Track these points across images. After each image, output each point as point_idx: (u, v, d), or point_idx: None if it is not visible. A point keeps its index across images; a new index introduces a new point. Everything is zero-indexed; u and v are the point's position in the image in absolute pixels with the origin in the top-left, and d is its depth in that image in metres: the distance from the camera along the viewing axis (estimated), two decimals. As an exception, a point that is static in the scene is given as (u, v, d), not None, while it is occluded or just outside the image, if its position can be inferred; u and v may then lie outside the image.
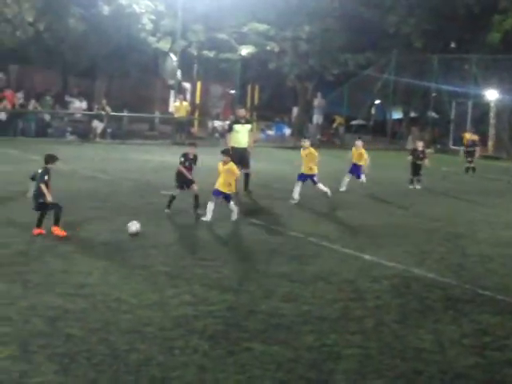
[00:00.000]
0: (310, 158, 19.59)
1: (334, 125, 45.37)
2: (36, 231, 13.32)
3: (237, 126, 21.15)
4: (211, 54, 42.98)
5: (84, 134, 36.24)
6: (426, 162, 24.25)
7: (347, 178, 22.36)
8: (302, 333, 8.94)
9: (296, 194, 19.40)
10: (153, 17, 40.63)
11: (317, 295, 10.60)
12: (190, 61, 43.96)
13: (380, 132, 46.82)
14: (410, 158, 24.55)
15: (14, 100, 35.91)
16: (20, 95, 36.14)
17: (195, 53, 43.22)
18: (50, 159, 13.79)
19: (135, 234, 13.75)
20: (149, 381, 7.30)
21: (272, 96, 49.95)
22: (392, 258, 13.29)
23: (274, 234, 15.20)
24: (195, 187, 16.48)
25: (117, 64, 40.35)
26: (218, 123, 41.79)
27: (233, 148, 20.71)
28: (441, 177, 27.37)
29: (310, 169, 19.50)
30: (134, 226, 13.82)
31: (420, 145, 25.03)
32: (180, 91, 42.46)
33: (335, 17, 41.72)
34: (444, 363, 8.27)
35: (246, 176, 20.62)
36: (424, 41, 42.95)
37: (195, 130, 42.46)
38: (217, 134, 40.14)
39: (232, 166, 16.05)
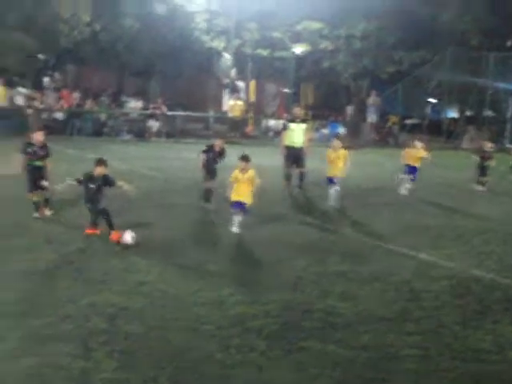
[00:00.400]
0: (342, 159, 18.43)
1: (388, 124, 45.03)
2: (90, 231, 13.42)
3: (292, 125, 21.05)
4: (265, 53, 43.01)
5: (139, 133, 36.52)
6: (492, 162, 23.73)
7: (405, 181, 21.40)
8: (359, 332, 8.93)
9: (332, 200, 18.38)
10: (207, 16, 40.81)
11: (373, 295, 10.56)
12: (244, 59, 44.05)
13: (435, 131, 46.33)
14: (476, 158, 23.94)
15: (70, 100, 36.33)
16: (77, 95, 36.52)
17: (249, 51, 43.29)
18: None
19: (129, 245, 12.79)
20: (207, 378, 7.36)
21: (326, 95, 49.72)
22: (450, 258, 13.16)
23: (328, 232, 15.15)
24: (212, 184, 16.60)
25: (171, 63, 40.59)
26: (272, 122, 41.77)
27: (287, 147, 20.78)
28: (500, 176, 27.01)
29: (338, 171, 18.41)
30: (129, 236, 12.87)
31: (488, 145, 24.32)
32: (234, 90, 42.56)
33: (389, 14, 41.36)
34: (504, 364, 8.19)
35: (301, 175, 20.60)
36: (480, 38, 42.42)
37: (249, 128, 42.49)
38: (271, 133, 40.14)
39: (252, 173, 14.37)
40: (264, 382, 7.35)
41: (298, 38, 42.86)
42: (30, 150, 14.69)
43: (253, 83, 45.06)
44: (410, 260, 12.97)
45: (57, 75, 42.71)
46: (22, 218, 14.52)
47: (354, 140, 40.15)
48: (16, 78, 40.09)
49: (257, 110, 45.60)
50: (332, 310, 9.72)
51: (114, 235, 13.00)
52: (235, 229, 14.15)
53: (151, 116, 37.36)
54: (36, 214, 14.61)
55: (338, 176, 18.32)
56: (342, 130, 42.93)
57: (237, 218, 14.16)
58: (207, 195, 16.98)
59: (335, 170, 18.37)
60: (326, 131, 42.20)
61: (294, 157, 20.56)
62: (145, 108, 39.63)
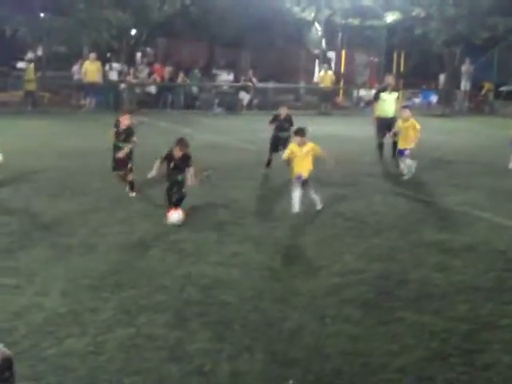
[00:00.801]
0: (412, 130, 17.50)
1: (483, 91, 44.10)
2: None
3: (383, 95, 20.68)
4: (356, 22, 42.61)
5: (231, 105, 36.63)
6: None
7: None
8: (455, 302, 8.84)
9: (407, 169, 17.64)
10: (297, -14, 40.63)
11: (469, 265, 10.43)
12: (335, 29, 43.74)
13: (532, 98, 45.24)
14: None
15: (163, 73, 36.68)
16: (169, 69, 36.83)
17: (339, 21, 42.95)
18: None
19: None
20: (302, 348, 7.39)
21: (418, 63, 48.97)
22: (547, 227, 12.90)
23: (421, 203, 15.00)
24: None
25: (262, 35, 40.57)
26: (363, 92, 41.39)
27: (379, 117, 20.51)
28: None
29: (408, 142, 17.54)
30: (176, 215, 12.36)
31: None
32: (325, 61, 42.27)
33: (484, -21, 40.46)
34: None
35: (395, 144, 19.89)
36: None
37: (340, 99, 42.22)
38: (362, 104, 39.81)
39: (311, 146, 13.70)
40: (359, 352, 7.35)
41: (389, 6, 42.28)
42: (115, 129, 14.74)
43: (343, 53, 44.70)
44: (507, 229, 12.75)
45: (148, 50, 43.22)
46: (122, 193, 14.71)
47: (447, 109, 39.59)
48: (109, 54, 40.75)
49: (347, 80, 45.25)
50: (427, 281, 9.65)
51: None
52: (294, 209, 13.22)
53: (242, 88, 37.44)
54: (132, 194, 14.54)
55: (408, 147, 17.53)
56: (435, 99, 42.33)
57: (296, 195, 13.25)
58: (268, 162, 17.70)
59: (405, 141, 17.64)
60: (418, 100, 41.66)
61: (387, 127, 20.03)
62: (236, 80, 39.75)
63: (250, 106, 36.81)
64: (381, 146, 20.59)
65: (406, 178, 17.40)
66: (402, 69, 47.00)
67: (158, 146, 21.62)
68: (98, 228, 11.84)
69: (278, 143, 17.49)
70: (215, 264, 10.06)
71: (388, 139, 20.26)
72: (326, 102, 38.14)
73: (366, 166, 19.18)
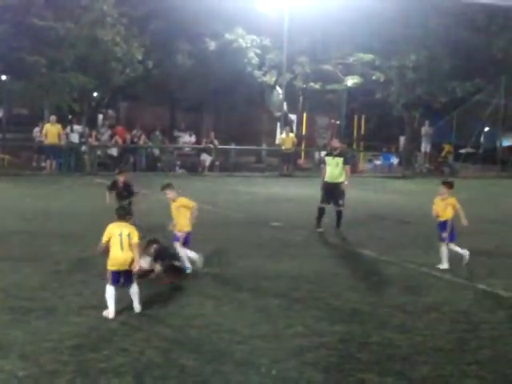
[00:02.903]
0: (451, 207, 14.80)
1: (443, 153, 44.72)
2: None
3: (327, 159, 19.76)
4: (317, 86, 43.17)
5: (193, 167, 36.77)
6: None
7: None
8: (417, 364, 8.79)
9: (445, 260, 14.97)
10: (258, 51, 41.12)
11: (431, 326, 10.40)
12: (296, 93, 44.24)
13: (490, 160, 45.91)
14: None
15: (124, 135, 36.77)
16: (135, 132, 36.93)
17: (301, 85, 43.46)
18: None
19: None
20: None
21: (378, 125, 49.70)
22: (508, 287, 12.95)
23: (384, 264, 15.02)
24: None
25: (223, 98, 40.95)
26: (324, 154, 41.70)
27: (324, 182, 19.62)
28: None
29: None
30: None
31: None
32: (286, 123, 42.70)
33: (441, 44, 41.24)
34: None
35: (338, 214, 19.20)
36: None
37: (302, 161, 42.54)
38: (323, 165, 40.03)
39: (182, 200, 13.91)
40: (321, 415, 7.26)
41: (349, 70, 42.96)
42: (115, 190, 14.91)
43: (305, 116, 45.17)
44: (467, 290, 12.78)
45: (110, 112, 43.34)
46: (81, 255, 14.57)
47: (407, 170, 39.99)
48: (71, 116, 40.79)
49: (309, 142, 45.66)
50: (389, 342, 9.60)
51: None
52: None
53: (204, 150, 37.60)
54: None
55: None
56: (395, 161, 42.80)
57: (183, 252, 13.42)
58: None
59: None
60: (379, 162, 42.11)
61: (330, 192, 19.18)
62: (197, 142, 39.95)
63: (211, 167, 36.97)
64: (320, 210, 19.22)
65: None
66: (362, 131, 47.61)
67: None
68: (57, 290, 11.68)
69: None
70: (175, 326, 9.94)
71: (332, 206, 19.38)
72: (287, 163, 38.41)
73: (326, 227, 19.16)
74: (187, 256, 13.41)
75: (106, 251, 10.60)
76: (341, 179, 19.26)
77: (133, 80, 39.26)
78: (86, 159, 34.54)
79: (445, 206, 14.61)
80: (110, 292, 10.42)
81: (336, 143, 20.43)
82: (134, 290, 10.60)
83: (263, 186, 30.64)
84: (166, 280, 12.42)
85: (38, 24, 33.35)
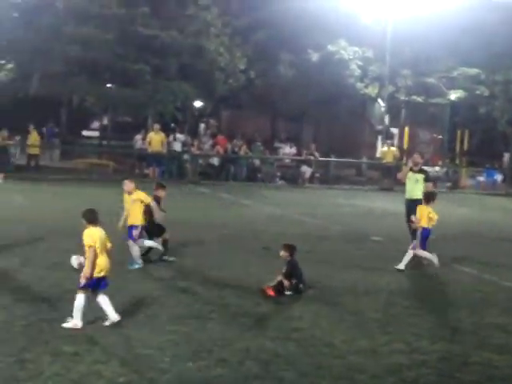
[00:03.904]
0: None
1: (549, 171, 43.60)
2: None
3: (409, 174, 18.32)
4: (419, 99, 42.70)
5: (292, 178, 36.80)
6: None
7: None
8: (518, 387, 8.61)
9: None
10: (360, 63, 40.95)
11: (534, 348, 10.17)
12: (398, 106, 43.86)
13: None
14: None
15: (226, 145, 37.05)
16: (236, 142, 37.14)
17: (403, 98, 43.08)
18: None
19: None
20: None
21: (482, 141, 48.83)
22: None
23: (485, 282, 14.72)
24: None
25: (324, 109, 40.91)
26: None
27: (405, 199, 18.29)
28: None
29: None
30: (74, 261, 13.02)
31: None
32: (387, 136, 42.37)
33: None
34: None
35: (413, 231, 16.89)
36: None
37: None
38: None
39: (139, 194, 14.09)
40: None
41: (453, 84, 42.34)
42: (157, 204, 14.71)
43: (406, 129, 44.71)
44: None
45: (212, 121, 43.80)
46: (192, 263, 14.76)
47: (511, 188, 39.12)
48: (173, 124, 41.41)
49: (410, 156, 45.12)
50: (489, 363, 9.41)
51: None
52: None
53: (304, 162, 37.59)
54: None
55: None
56: (499, 177, 41.95)
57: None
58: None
59: None
60: (482, 178, 41.34)
61: (408, 210, 17.69)
62: (298, 154, 39.97)
63: (311, 179, 36.89)
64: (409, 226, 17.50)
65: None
66: (465, 146, 46.80)
67: (220, 217, 21.89)
68: (158, 298, 11.84)
69: None
70: (274, 338, 9.95)
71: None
72: (387, 177, 38.04)
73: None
74: (145, 247, 14.02)
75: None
76: (419, 196, 17.63)
77: (235, 90, 39.62)
78: (188, 168, 34.98)
79: None
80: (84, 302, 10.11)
81: (418, 158, 18.81)
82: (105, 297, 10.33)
83: (363, 199, 30.41)
84: (271, 293, 12.39)
85: (143, 33, 33.98)
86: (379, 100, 43.14)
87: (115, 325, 10.10)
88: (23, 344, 9.15)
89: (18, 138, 35.42)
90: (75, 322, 9.96)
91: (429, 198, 15.83)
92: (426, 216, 15.44)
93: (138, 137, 36.92)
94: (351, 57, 40.69)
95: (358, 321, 11.15)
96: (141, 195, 14.09)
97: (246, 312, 11.27)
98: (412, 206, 17.21)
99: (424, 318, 11.49)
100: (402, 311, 11.94)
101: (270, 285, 12.41)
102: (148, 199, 13.95)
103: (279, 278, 12.49)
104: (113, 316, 10.16)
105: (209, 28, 37.17)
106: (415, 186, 17.89)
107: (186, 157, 35.74)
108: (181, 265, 14.60)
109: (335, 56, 40.19)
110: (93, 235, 10.15)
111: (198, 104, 43.40)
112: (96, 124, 50.41)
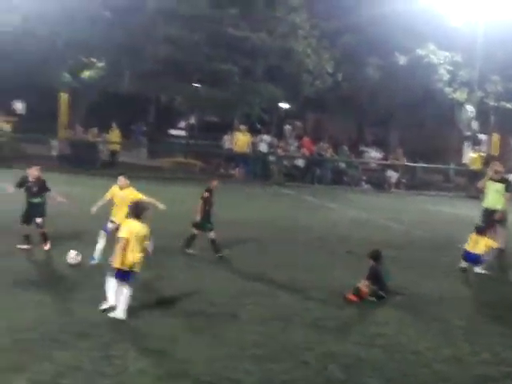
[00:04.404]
0: None
1: None
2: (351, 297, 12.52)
3: (488, 183, 17.95)
4: (509, 106, 41.87)
5: (378, 183, 36.47)
6: None
7: None
8: None
9: None
10: (450, 67, 40.35)
11: None
12: (487, 112, 43.06)
13: None
14: None
15: (311, 147, 36.92)
16: (323, 144, 36.99)
17: (492, 103, 42.31)
18: None
19: (74, 265, 13.31)
20: None
21: None
22: None
23: None
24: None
25: (412, 114, 40.40)
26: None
27: (483, 209, 17.92)
28: None
29: None
30: (72, 259, 13.37)
31: None
32: (476, 142, 41.63)
33: None
34: None
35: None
36: None
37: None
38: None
39: (132, 190, 13.77)
40: None
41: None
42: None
43: (495, 136, 43.88)
44: None
45: (297, 123, 43.70)
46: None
47: None
48: (259, 126, 41.50)
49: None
50: None
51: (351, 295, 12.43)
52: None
53: (390, 166, 37.22)
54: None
55: None
56: None
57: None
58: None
59: None
60: None
61: (487, 219, 17.32)
62: (384, 158, 39.61)
63: (397, 184, 36.50)
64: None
65: None
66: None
67: (304, 220, 21.84)
68: (242, 297, 11.88)
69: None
70: (357, 343, 9.88)
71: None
72: (475, 184, 37.36)
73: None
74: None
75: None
76: (498, 206, 17.50)
77: (321, 92, 39.44)
78: (274, 169, 34.98)
79: None
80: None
81: (498, 166, 18.35)
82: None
83: (450, 206, 29.90)
84: (353, 298, 12.29)
85: (232, 34, 34.11)
86: (467, 105, 42.43)
87: (200, 325, 10.16)
88: (108, 340, 9.27)
89: (106, 135, 35.93)
90: (110, 303, 10.31)
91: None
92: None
93: (227, 137, 37.04)
94: (441, 61, 40.11)
95: (444, 329, 10.99)
96: (134, 192, 13.74)
97: (328, 316, 11.24)
98: (489, 216, 17.09)
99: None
100: (488, 320, 11.75)
101: (352, 289, 12.33)
102: (138, 195, 13.47)
103: (362, 282, 12.40)
104: (119, 312, 10.24)
105: (297, 30, 37.09)
106: (495, 196, 17.56)
107: (271, 158, 35.73)
108: (263, 265, 14.62)
109: (424, 60, 39.66)
110: (130, 228, 10.37)
111: (284, 105, 43.39)
112: (183, 123, 50.80)
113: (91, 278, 12.25)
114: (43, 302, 10.86)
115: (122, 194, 13.72)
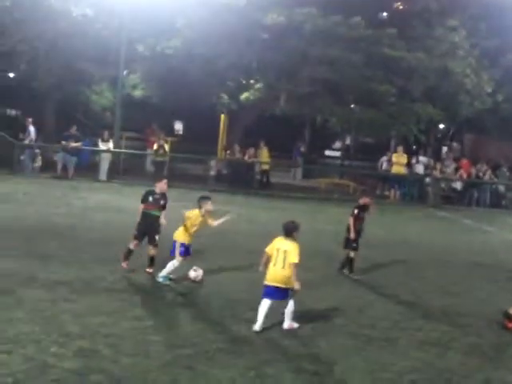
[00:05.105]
0: None
1: None
2: None
3: None
4: None
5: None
6: None
7: None
8: None
9: None
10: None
11: None
12: None
13: None
14: None
15: (469, 169, 36.17)
16: (481, 166, 36.11)
17: None
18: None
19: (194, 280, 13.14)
20: None
21: None
22: None
23: None
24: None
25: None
26: None
27: None
28: None
29: None
30: (193, 272, 13.25)
31: None
32: None
33: None
34: None
35: None
36: None
37: None
38: None
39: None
40: None
41: None
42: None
43: None
44: None
45: (455, 145, 42.96)
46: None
47: None
48: (415, 147, 41.04)
49: None
50: None
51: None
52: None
53: None
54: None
55: None
56: None
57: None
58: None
59: None
60: None
61: None
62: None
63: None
64: None
65: None
66: None
67: (461, 243, 21.38)
68: (399, 322, 11.71)
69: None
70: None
71: None
72: None
73: None
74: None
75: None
76: None
77: (480, 113, 38.67)
78: (430, 191, 34.44)
79: None
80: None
81: None
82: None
83: None
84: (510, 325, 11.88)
85: (389, 54, 33.86)
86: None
87: (358, 348, 10.08)
88: (264, 358, 9.31)
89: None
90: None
91: None
92: None
93: (384, 158, 36.79)
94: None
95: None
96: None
97: (486, 342, 10.93)
98: None
99: None
100: None
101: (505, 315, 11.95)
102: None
103: None
104: (286, 323, 10.64)
105: (456, 49, 36.49)
106: None
107: (427, 180, 35.23)
108: (420, 289, 14.39)
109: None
110: (274, 244, 10.67)
111: (440, 126, 42.80)
112: (338, 144, 50.97)
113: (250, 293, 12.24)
114: (198, 317, 11.03)
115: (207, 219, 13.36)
